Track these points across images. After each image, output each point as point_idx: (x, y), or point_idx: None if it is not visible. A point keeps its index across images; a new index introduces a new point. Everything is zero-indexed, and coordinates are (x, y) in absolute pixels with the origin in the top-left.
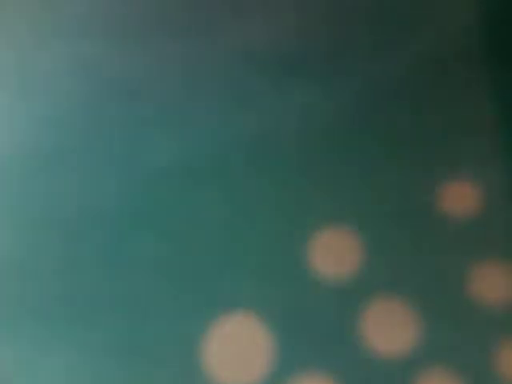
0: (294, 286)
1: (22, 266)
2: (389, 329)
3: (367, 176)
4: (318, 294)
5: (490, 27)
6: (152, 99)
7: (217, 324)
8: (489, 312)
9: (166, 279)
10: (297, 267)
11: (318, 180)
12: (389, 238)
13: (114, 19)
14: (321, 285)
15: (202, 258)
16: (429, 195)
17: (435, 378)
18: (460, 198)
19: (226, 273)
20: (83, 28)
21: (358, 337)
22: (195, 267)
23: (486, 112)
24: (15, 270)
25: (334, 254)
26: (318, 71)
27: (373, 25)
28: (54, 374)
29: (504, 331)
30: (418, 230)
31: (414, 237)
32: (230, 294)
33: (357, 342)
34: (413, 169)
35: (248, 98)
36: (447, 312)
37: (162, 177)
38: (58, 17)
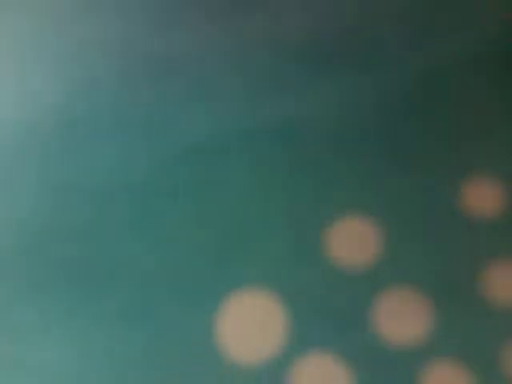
0: (309, 269)
1: (46, 229)
2: (400, 318)
3: (391, 169)
4: (333, 278)
5: None
6: (185, 75)
7: (231, 301)
8: (501, 309)
9: (186, 254)
10: (314, 252)
11: (342, 168)
12: (408, 229)
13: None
14: (336, 270)
15: (223, 234)
16: (449, 191)
17: (443, 368)
18: (479, 195)
19: (244, 251)
20: (115, 1)
21: (369, 323)
22: (216, 243)
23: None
24: (39, 233)
25: (351, 241)
26: (351, 61)
27: (408, 20)
28: (66, 339)
29: None
30: (437, 224)
31: (431, 230)
32: (246, 272)
33: (368, 327)
34: (435, 165)
35: (282, 82)
36: (460, 305)
37: (191, 153)
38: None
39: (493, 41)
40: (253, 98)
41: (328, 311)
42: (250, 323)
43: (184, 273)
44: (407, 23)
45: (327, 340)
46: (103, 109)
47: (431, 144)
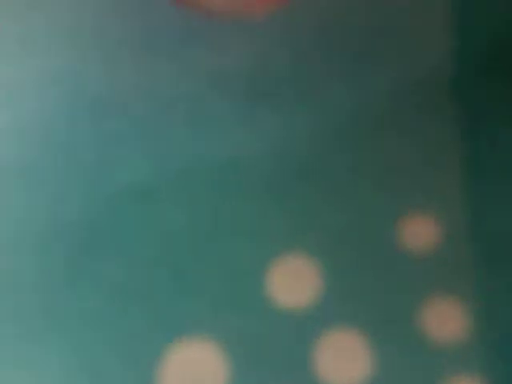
0: (251, 313)
1: None
2: (341, 359)
3: (327, 208)
4: (274, 321)
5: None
6: (124, 115)
7: (173, 349)
8: (438, 346)
9: (121, 304)
10: (255, 294)
11: (279, 208)
12: (347, 267)
13: (93, 32)
14: (278, 312)
15: (162, 280)
16: (390, 227)
17: None
18: (420, 233)
19: (183, 297)
20: (54, 40)
21: (312, 366)
22: (153, 289)
23: (458, 149)
24: None
25: (292, 281)
26: (285, 97)
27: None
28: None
29: (451, 364)
30: (377, 262)
31: (371, 267)
32: (187, 318)
33: (311, 371)
34: (377, 199)
35: (219, 120)
36: (397, 344)
37: (127, 194)
38: (25, 28)
39: (432, 68)
40: (190, 137)
41: (267, 355)
42: (192, 370)
43: (119, 325)
44: (340, 56)
45: None
46: (33, 151)
47: (366, 181)
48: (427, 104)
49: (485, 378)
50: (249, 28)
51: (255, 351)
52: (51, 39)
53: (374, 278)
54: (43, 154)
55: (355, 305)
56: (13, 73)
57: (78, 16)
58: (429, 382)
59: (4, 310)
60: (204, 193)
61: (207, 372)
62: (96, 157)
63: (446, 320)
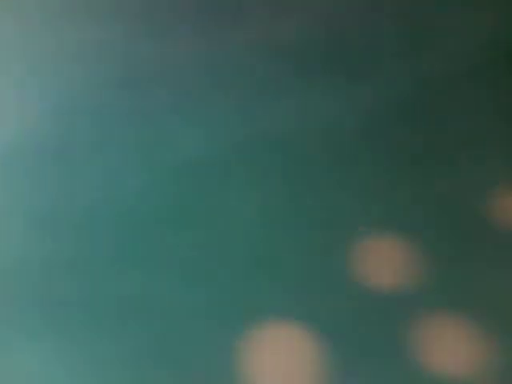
0: (338, 295)
1: (35, 262)
2: (442, 345)
3: (417, 182)
4: (362, 303)
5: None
6: (174, 86)
7: (255, 335)
8: None
9: (196, 281)
10: (339, 277)
11: (365, 183)
12: (439, 247)
13: (138, 3)
14: (365, 294)
15: (233, 260)
16: (480, 205)
17: None
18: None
19: (263, 280)
20: (104, 11)
21: (408, 352)
22: (226, 271)
23: None
24: (27, 268)
25: (379, 264)
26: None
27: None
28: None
29: None
30: (469, 240)
31: (464, 247)
32: (270, 302)
33: (408, 357)
34: (465, 180)
35: (274, 91)
36: (500, 329)
37: (187, 169)
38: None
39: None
40: (246, 109)
41: (356, 337)
42: (278, 360)
43: (202, 308)
44: (403, 31)
45: (364, 374)
46: (84, 127)
47: (458, 157)
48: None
49: None
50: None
51: (342, 333)
52: (100, 8)
53: (468, 256)
54: (97, 127)
55: (450, 287)
56: (60, 44)
57: None
58: None
59: (68, 287)
60: (274, 167)
61: (294, 357)
62: (148, 131)
63: None
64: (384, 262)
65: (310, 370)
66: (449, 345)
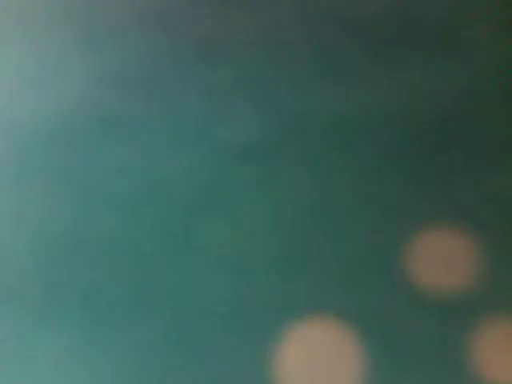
0: (388, 295)
1: (76, 244)
2: (503, 355)
3: (479, 171)
4: (412, 304)
5: None
6: (231, 64)
7: (289, 329)
8: None
9: (232, 271)
10: (390, 273)
11: (425, 174)
12: (503, 245)
13: None
14: (417, 295)
15: (276, 249)
16: None
17: None
18: None
19: (303, 271)
20: None
21: (463, 360)
22: (268, 260)
23: None
24: (67, 248)
25: (437, 260)
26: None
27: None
28: (100, 369)
29: None
30: None
31: None
32: (306, 295)
33: (463, 366)
34: None
35: (338, 71)
36: None
37: (239, 152)
38: None
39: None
40: (303, 90)
41: (404, 340)
42: (312, 357)
43: (238, 301)
44: None
45: (413, 380)
46: (133, 100)
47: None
48: None
49: None
50: None
51: (384, 333)
52: None
53: None
54: (143, 107)
55: None
56: (108, 13)
57: None
58: None
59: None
60: (324, 151)
61: (336, 356)
62: (201, 110)
63: None
64: (440, 260)
65: (349, 370)
66: (508, 355)
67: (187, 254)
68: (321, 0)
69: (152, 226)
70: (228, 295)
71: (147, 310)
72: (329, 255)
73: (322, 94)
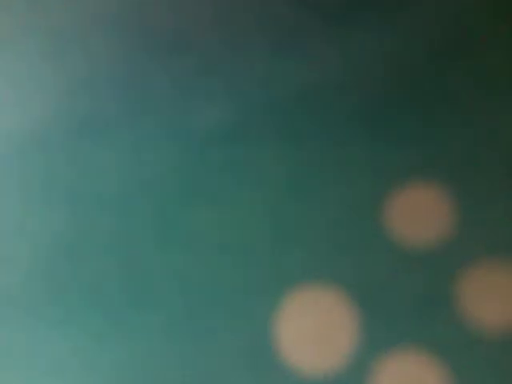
0: (373, 254)
1: (74, 245)
2: (492, 300)
3: (453, 124)
4: (399, 261)
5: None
6: (197, 51)
7: (287, 301)
8: None
9: (228, 253)
10: (375, 232)
11: (396, 129)
12: (483, 192)
13: None
14: (401, 251)
15: (266, 225)
16: None
17: None
18: None
19: (294, 242)
20: None
21: (454, 310)
22: (260, 237)
23: None
24: (66, 249)
25: (417, 214)
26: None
27: None
28: (111, 363)
29: None
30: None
31: (504, 186)
32: (301, 264)
33: (453, 316)
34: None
35: (298, 46)
36: None
37: (213, 138)
38: None
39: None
40: (273, 63)
41: (393, 297)
42: (313, 324)
43: (228, 272)
44: None
45: (407, 335)
46: (112, 101)
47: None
48: None
49: None
50: None
51: (379, 293)
52: None
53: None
54: (120, 106)
55: (498, 237)
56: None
57: None
58: None
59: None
60: (300, 126)
61: (329, 323)
62: (174, 97)
63: None
64: (421, 214)
65: (344, 332)
66: (499, 294)
67: (183, 244)
68: None
69: (144, 220)
70: (228, 278)
71: (148, 304)
72: (316, 224)
73: (281, 67)
